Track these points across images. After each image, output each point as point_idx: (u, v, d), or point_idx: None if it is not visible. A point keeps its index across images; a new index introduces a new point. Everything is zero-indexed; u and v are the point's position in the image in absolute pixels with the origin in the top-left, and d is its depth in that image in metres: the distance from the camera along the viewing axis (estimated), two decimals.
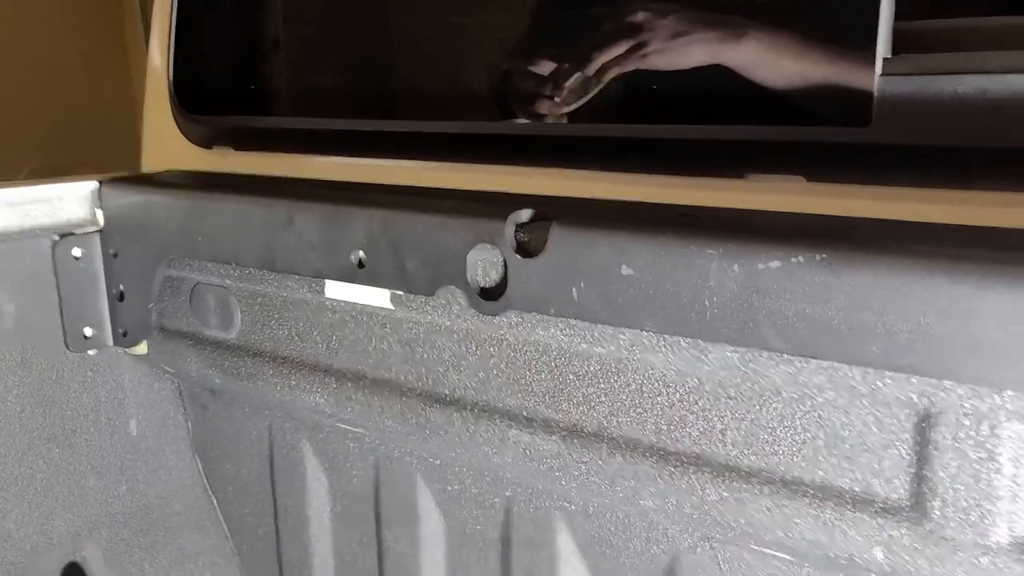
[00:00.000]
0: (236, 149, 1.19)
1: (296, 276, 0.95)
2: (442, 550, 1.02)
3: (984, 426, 0.57)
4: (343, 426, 1.02)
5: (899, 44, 0.67)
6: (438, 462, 0.97)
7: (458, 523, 0.99)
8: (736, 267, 0.63)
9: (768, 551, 0.71)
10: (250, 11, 1.23)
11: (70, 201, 1.11)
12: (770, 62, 0.74)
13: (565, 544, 0.89)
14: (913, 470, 0.61)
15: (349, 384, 0.95)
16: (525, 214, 0.76)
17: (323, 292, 0.93)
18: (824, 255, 0.59)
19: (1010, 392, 0.55)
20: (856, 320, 0.58)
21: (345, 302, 0.92)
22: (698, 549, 0.79)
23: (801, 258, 0.60)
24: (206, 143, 1.22)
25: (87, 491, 1.19)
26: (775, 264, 0.61)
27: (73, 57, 1.26)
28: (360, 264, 0.86)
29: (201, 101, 1.22)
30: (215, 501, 1.28)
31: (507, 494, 0.93)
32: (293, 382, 1.01)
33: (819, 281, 0.60)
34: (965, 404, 0.58)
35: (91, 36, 1.21)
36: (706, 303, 0.65)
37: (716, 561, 0.77)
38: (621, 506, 0.80)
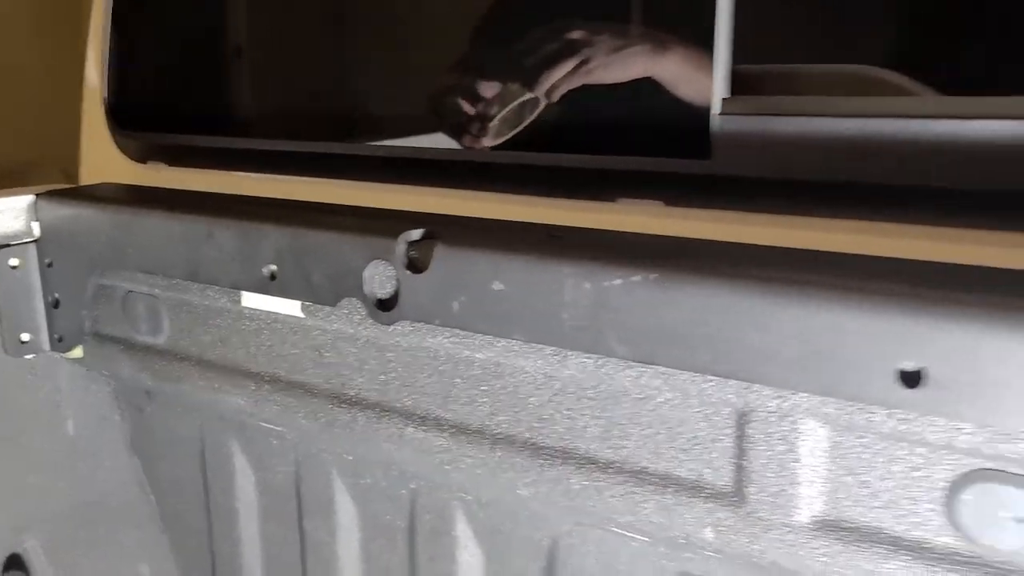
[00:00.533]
0: (169, 164, 1.26)
1: (217, 286, 1.02)
2: (357, 539, 1.10)
3: (786, 423, 0.67)
4: (265, 425, 1.10)
5: (738, 85, 0.76)
6: (351, 458, 1.06)
7: (370, 514, 1.07)
8: (587, 284, 0.72)
9: (626, 533, 0.81)
10: (184, 32, 1.30)
11: (7, 214, 1.17)
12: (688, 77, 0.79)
13: (463, 531, 0.98)
14: (734, 461, 0.71)
15: (267, 386, 1.03)
16: (415, 233, 0.85)
17: (240, 301, 1.01)
18: (655, 275, 0.68)
19: (804, 394, 0.65)
20: (683, 332, 0.68)
21: (260, 311, 1.00)
22: (573, 533, 0.88)
23: (638, 278, 0.69)
24: (141, 158, 1.29)
25: (28, 488, 1.25)
26: (617, 282, 0.70)
27: (35, 61, 1.31)
28: (272, 277, 0.94)
29: (135, 117, 1.29)
30: (152, 498, 1.35)
31: (411, 487, 1.01)
32: (217, 385, 1.08)
33: (652, 298, 0.69)
34: (770, 404, 0.67)
35: (55, 40, 1.25)
36: (564, 315, 0.74)
37: (587, 543, 0.86)
38: (504, 496, 0.88)
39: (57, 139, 1.35)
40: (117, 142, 1.31)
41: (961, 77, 0.69)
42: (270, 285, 0.94)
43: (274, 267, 0.93)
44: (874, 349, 0.59)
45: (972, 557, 0.62)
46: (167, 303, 1.11)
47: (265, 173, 1.16)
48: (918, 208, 0.70)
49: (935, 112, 0.68)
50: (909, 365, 0.59)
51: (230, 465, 1.21)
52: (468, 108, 0.97)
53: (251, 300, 1.00)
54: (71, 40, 1.33)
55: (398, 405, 0.92)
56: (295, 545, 1.18)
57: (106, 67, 1.29)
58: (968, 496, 0.61)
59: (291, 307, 0.97)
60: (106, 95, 1.29)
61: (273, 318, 1.00)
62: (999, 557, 0.60)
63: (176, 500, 1.32)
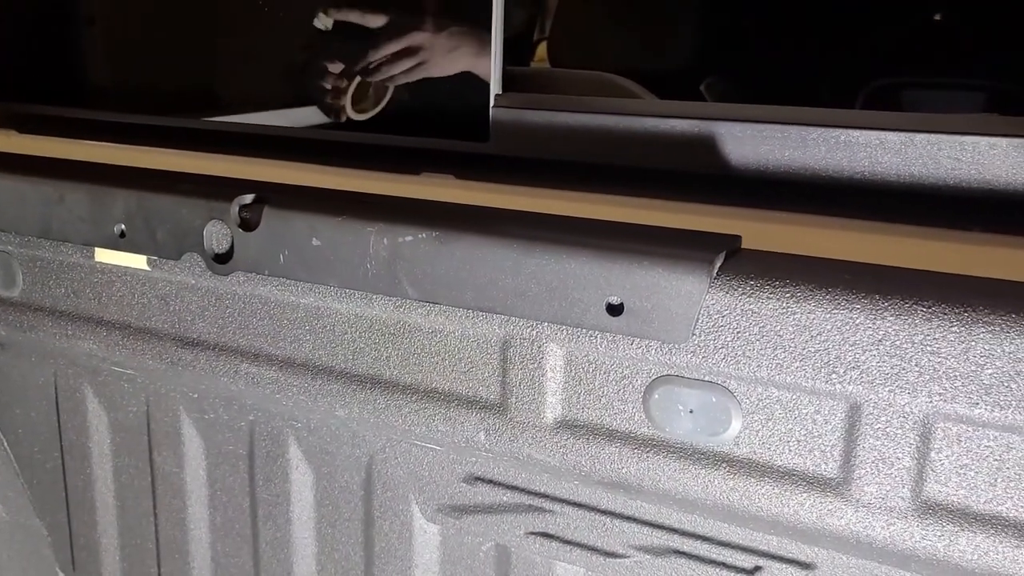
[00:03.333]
0: (19, 132, 1.36)
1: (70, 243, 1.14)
2: (203, 467, 1.25)
3: (535, 346, 0.87)
4: (117, 369, 1.23)
5: (507, 83, 0.96)
6: (195, 395, 1.20)
7: (215, 444, 1.23)
8: (385, 240, 0.90)
9: (424, 444, 1.00)
10: (36, 1, 1.39)
11: None
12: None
13: (295, 454, 1.15)
14: (500, 378, 0.91)
15: (118, 332, 1.16)
16: (248, 197, 1.00)
17: (93, 256, 1.14)
18: (436, 233, 0.87)
19: (544, 324, 0.85)
20: (458, 277, 0.87)
21: (112, 264, 1.13)
22: (385, 448, 1.06)
23: (423, 235, 0.88)
24: None
25: None
26: (408, 239, 0.89)
27: None
28: (121, 235, 1.07)
29: None
30: (5, 442, 1.45)
31: (250, 418, 1.17)
32: (70, 332, 1.20)
33: (434, 251, 0.87)
34: (524, 332, 0.87)
35: None
36: (367, 265, 0.92)
37: (396, 455, 1.05)
38: (326, 419, 1.06)
39: None
40: None
41: (669, 86, 0.91)
42: (120, 242, 1.07)
43: (123, 226, 1.07)
44: (590, 287, 0.80)
45: (661, 441, 0.84)
46: (20, 259, 1.21)
47: (107, 143, 1.27)
48: (635, 183, 0.91)
49: (651, 111, 0.90)
50: (614, 299, 0.80)
51: (83, 407, 1.33)
52: (311, 89, 1.12)
53: (104, 255, 1.13)
54: None
55: (235, 345, 1.07)
56: (145, 476, 1.31)
57: None
58: (657, 395, 0.83)
59: (139, 261, 1.10)
60: None
61: (123, 271, 1.13)
62: (678, 440, 0.83)
63: (31, 443, 1.42)
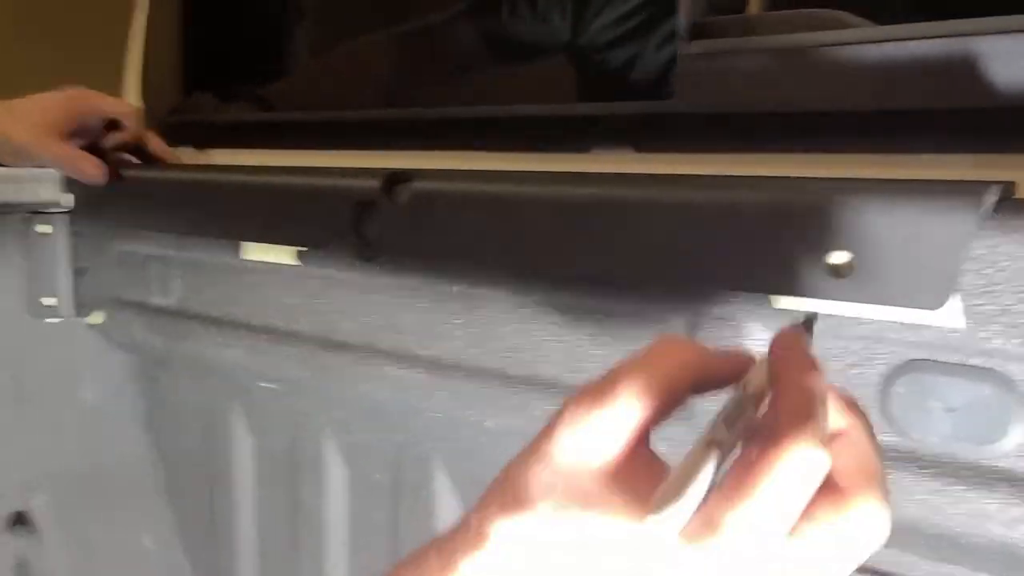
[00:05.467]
0: (197, 148, 1.34)
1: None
2: (346, 499, 1.13)
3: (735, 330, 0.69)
4: (264, 385, 1.14)
5: (698, 34, 0.81)
6: (342, 414, 1.09)
7: (359, 470, 1.10)
8: (549, 211, 0.76)
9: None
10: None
11: (42, 183, 1.25)
12: None
13: (441, 483, 1.00)
14: None
15: (264, 338, 1.08)
16: (394, 177, 0.89)
17: (241, 254, 1.06)
18: (613, 195, 0.72)
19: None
20: (632, 245, 0.70)
21: (259, 262, 1.05)
22: None
23: (597, 198, 0.73)
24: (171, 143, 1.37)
25: (41, 450, 1.30)
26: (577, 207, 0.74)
27: None
28: (267, 225, 0.99)
29: None
30: (159, 469, 1.39)
31: (396, 439, 1.04)
32: (220, 340, 1.13)
33: (614, 218, 0.72)
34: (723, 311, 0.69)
35: None
36: (527, 241, 0.77)
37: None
38: (476, 437, 0.91)
39: None
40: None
41: None
42: (266, 233, 0.99)
43: (267, 216, 0.99)
44: (802, 241, 0.62)
45: (907, 452, 0.62)
46: (176, 263, 1.17)
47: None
48: (866, 134, 0.73)
49: (884, 36, 0.72)
50: (839, 256, 0.61)
51: (231, 431, 1.25)
52: None
53: (251, 251, 1.05)
54: None
55: (380, 346, 0.95)
56: (288, 510, 1.20)
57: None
58: (901, 389, 0.62)
59: (288, 255, 1.02)
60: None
61: (271, 269, 1.05)
62: (933, 450, 0.61)
63: (182, 470, 1.36)
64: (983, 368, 0.58)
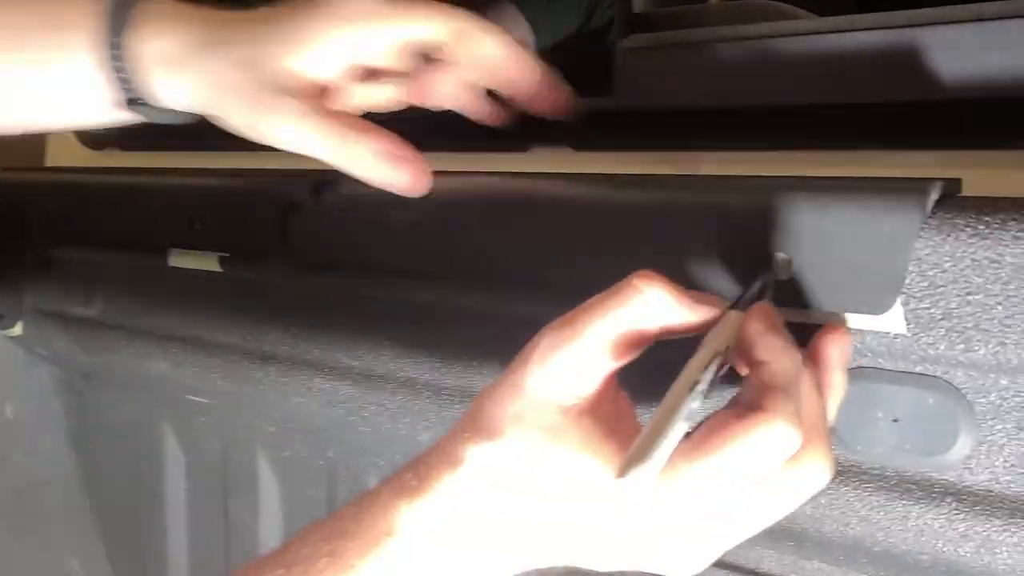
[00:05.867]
0: (123, 150, 1.28)
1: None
2: (279, 516, 1.07)
3: None
4: (193, 399, 1.08)
5: (638, 27, 0.77)
6: (273, 428, 1.04)
7: (292, 487, 1.05)
8: (479, 211, 0.71)
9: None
10: None
11: None
12: None
13: None
14: None
15: (190, 348, 1.02)
16: (319, 181, 0.84)
17: (167, 260, 1.01)
18: (537, 196, 0.68)
19: None
20: (546, 248, 0.67)
21: (184, 269, 1.00)
22: None
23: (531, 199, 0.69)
24: (95, 146, 1.31)
25: None
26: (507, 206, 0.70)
27: None
28: (191, 226, 0.94)
29: None
30: (87, 489, 1.33)
31: (329, 455, 0.99)
32: (144, 351, 1.07)
33: (534, 220, 0.68)
34: None
35: None
36: (458, 244, 0.73)
37: None
38: (408, 452, 0.86)
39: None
40: (76, 132, 1.33)
41: None
42: (192, 236, 0.94)
43: (195, 220, 0.93)
44: (738, 245, 0.58)
45: (851, 466, 0.59)
46: (98, 272, 1.11)
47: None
48: (809, 129, 0.70)
49: (827, 28, 0.69)
50: (777, 257, 0.57)
51: (162, 448, 1.19)
52: None
53: (177, 258, 1.00)
54: None
55: (308, 357, 0.90)
56: (219, 524, 1.15)
57: None
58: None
59: (211, 262, 0.96)
60: None
61: (195, 276, 0.99)
62: (876, 463, 0.58)
63: (110, 491, 1.29)
64: (928, 376, 0.55)
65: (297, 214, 0.85)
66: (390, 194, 0.78)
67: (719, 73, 0.73)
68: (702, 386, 0.41)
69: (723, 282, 0.58)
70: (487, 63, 0.64)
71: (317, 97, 0.59)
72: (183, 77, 0.60)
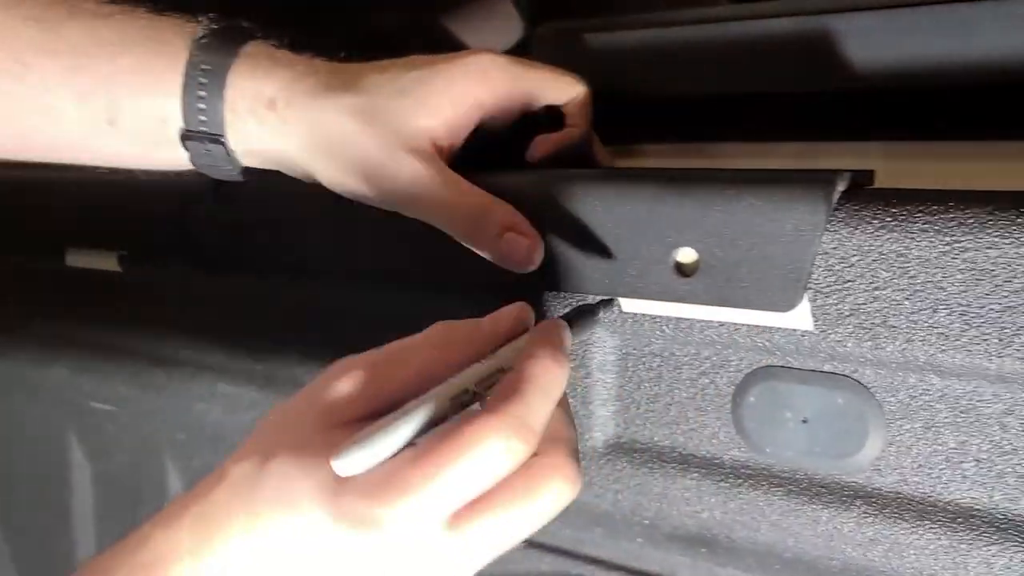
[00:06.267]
0: None
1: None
2: None
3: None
4: (97, 405, 1.03)
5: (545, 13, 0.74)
6: (182, 436, 0.99)
7: None
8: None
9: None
10: None
11: None
12: None
13: None
14: None
15: (88, 352, 0.97)
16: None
17: (64, 261, 0.95)
18: None
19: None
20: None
21: (82, 269, 0.94)
22: None
23: None
24: None
25: None
26: None
27: None
28: (85, 225, 0.88)
29: None
30: None
31: None
32: (43, 357, 1.01)
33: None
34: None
35: None
36: (365, 246, 0.69)
37: None
38: None
39: None
40: None
41: None
42: (88, 236, 0.89)
43: (88, 219, 0.88)
44: (647, 241, 0.56)
45: (760, 469, 0.57)
46: None
47: None
48: (723, 120, 0.67)
49: (733, 15, 0.67)
50: (685, 254, 0.55)
51: (67, 457, 1.13)
52: None
53: (74, 258, 0.94)
54: None
55: (211, 361, 0.86)
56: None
57: None
58: (751, 399, 0.56)
59: (109, 262, 0.91)
60: None
61: (94, 276, 0.94)
62: (786, 465, 0.56)
63: (16, 502, 1.23)
64: (837, 374, 0.53)
65: (196, 210, 0.80)
66: (292, 189, 0.74)
67: (630, 61, 0.70)
68: (468, 397, 0.41)
69: (621, 276, 0.56)
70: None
71: (438, 159, 0.55)
72: (285, 123, 0.54)
